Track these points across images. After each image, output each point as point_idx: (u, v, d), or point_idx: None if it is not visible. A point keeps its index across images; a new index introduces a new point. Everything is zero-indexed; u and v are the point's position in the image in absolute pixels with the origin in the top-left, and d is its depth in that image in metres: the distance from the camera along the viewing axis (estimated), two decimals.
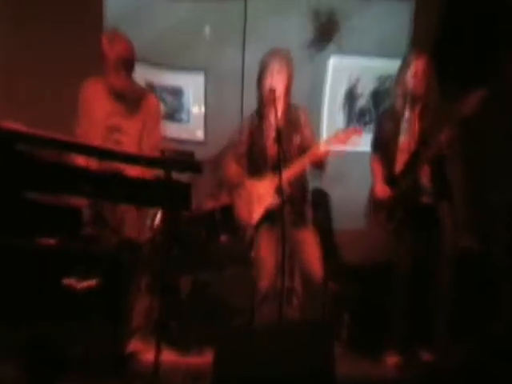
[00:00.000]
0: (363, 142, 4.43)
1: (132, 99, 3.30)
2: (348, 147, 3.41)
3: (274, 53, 3.34)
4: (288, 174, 3.27)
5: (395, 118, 3.60)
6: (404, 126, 3.55)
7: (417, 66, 3.48)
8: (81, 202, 2.87)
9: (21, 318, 2.60)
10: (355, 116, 4.77)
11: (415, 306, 3.59)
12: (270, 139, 3.34)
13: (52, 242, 2.82)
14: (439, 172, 3.53)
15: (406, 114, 3.56)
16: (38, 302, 2.63)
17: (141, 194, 2.66)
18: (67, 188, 2.61)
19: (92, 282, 2.70)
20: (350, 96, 5.03)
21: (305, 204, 3.44)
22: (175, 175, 2.86)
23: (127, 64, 3.23)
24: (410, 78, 3.50)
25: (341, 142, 3.29)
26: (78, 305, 2.67)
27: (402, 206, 3.55)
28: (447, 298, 3.55)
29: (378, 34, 4.84)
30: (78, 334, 2.67)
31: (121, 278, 2.81)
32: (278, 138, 3.17)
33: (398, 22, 4.85)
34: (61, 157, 2.62)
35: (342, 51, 4.92)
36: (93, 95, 3.30)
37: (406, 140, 3.54)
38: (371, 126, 4.27)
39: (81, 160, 3.06)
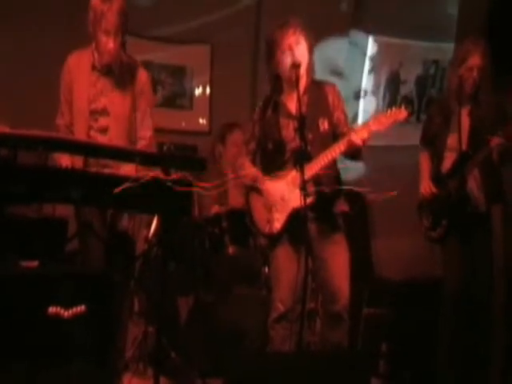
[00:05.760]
0: (409, 135, 4.66)
1: (119, 74, 3.50)
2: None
3: (285, 24, 3.42)
4: (314, 168, 3.30)
5: (445, 112, 3.91)
6: (454, 122, 3.82)
7: (472, 60, 3.76)
8: (66, 211, 3.03)
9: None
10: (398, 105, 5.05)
11: (468, 334, 3.76)
12: (288, 129, 3.42)
13: (34, 264, 3.00)
14: (491, 175, 3.80)
15: (457, 109, 3.82)
16: (21, 338, 2.80)
17: (134, 197, 2.81)
18: (51, 195, 2.79)
19: (81, 308, 2.85)
20: (393, 82, 5.30)
21: (336, 207, 3.44)
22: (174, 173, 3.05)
23: (126, 22, 3.39)
24: (463, 71, 3.78)
25: (382, 125, 3.26)
26: (65, 336, 2.85)
27: (449, 210, 3.83)
28: (504, 325, 3.74)
29: (421, 15, 5.12)
30: (65, 373, 2.85)
31: (111, 300, 2.97)
32: (301, 126, 3.25)
33: (443, 2, 5.16)
34: (42, 158, 2.80)
35: (381, 30, 5.20)
36: (76, 69, 3.50)
37: (455, 138, 3.79)
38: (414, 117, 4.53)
39: (65, 160, 3.29)
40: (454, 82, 3.84)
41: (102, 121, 3.50)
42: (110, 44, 3.36)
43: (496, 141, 3.61)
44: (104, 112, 3.50)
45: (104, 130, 3.50)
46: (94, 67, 3.49)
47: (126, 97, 3.52)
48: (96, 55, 3.47)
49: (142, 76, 3.59)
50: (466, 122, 3.78)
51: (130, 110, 3.55)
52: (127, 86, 3.52)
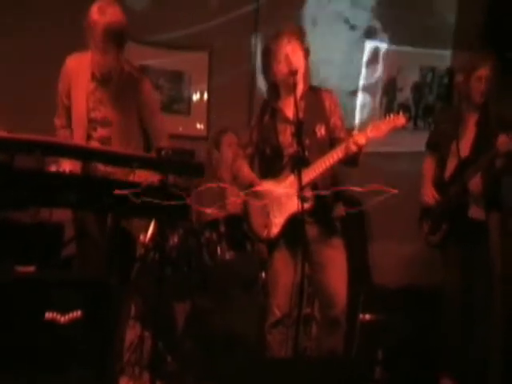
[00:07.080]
0: (406, 142, 4.68)
1: (118, 84, 3.45)
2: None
3: (280, 33, 3.42)
4: (312, 173, 3.32)
5: (453, 119, 3.98)
6: (461, 129, 3.91)
7: (482, 71, 3.84)
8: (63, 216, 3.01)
9: None
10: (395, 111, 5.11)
11: (465, 340, 3.78)
12: (286, 134, 3.45)
13: (31, 269, 2.99)
14: (492, 182, 3.85)
15: (465, 117, 3.93)
16: (17, 343, 2.79)
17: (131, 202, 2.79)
18: (47, 200, 2.79)
19: (77, 313, 2.85)
20: (390, 88, 5.33)
21: (334, 212, 3.46)
22: (172, 178, 3.05)
23: (119, 37, 3.32)
24: (472, 80, 3.86)
25: (381, 132, 3.27)
26: (61, 342, 2.85)
27: (449, 216, 3.87)
28: (501, 330, 3.77)
29: (419, 22, 5.17)
30: (61, 378, 2.84)
31: (108, 305, 2.95)
32: (299, 131, 3.27)
33: (441, 10, 5.20)
34: (39, 162, 2.79)
35: (378, 36, 5.26)
36: (75, 74, 3.44)
37: (460, 144, 3.88)
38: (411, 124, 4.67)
39: (67, 165, 3.19)
40: (462, 89, 3.92)
41: (102, 131, 3.45)
42: (99, 58, 3.33)
43: (503, 139, 3.65)
44: (104, 122, 3.45)
45: (105, 140, 3.44)
46: (93, 76, 3.44)
47: (129, 108, 3.46)
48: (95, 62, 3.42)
49: (146, 88, 3.53)
50: (472, 129, 3.86)
51: (134, 122, 3.49)
52: (130, 98, 3.46)
